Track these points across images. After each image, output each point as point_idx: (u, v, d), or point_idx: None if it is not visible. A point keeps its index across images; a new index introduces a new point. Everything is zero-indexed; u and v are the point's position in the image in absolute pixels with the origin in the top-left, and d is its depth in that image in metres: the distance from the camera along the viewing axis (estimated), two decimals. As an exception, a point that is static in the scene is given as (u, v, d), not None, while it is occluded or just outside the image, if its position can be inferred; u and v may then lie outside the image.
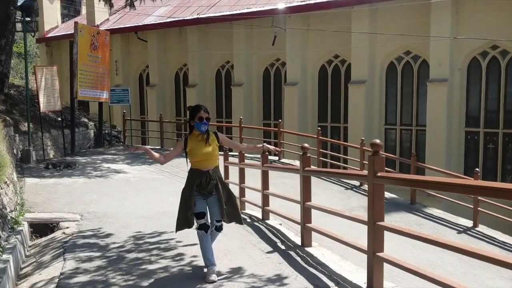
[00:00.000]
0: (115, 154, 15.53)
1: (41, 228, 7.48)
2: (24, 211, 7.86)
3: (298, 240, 5.48)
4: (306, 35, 18.97)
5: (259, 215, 7.02)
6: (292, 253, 5.04)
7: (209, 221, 4.53)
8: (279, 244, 5.44)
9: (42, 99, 13.51)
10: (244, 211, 7.82)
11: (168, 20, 22.31)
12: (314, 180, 9.92)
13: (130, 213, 7.95)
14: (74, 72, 14.69)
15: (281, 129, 14.50)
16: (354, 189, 11.83)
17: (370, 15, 17.11)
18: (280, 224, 6.48)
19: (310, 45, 18.97)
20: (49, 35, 28.11)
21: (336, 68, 18.99)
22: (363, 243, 3.99)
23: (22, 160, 12.90)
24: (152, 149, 17.23)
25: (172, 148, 4.90)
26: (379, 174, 3.67)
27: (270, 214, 6.73)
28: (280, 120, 14.79)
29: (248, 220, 6.88)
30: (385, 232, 3.79)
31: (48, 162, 12.85)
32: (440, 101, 15.79)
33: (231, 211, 4.58)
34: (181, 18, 21.81)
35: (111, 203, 8.82)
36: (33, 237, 7.42)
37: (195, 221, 4.52)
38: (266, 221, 6.65)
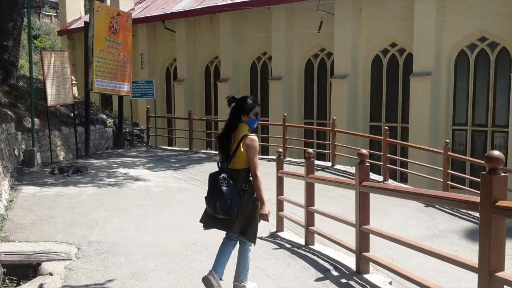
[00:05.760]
0: (136, 156, 13.23)
1: (22, 268, 5.13)
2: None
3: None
4: (358, 20, 16.29)
5: (350, 263, 4.42)
6: None
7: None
8: None
9: (50, 91, 11.27)
10: (314, 248, 5.29)
11: (199, 7, 20.02)
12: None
13: (148, 245, 5.58)
14: (89, 59, 12.46)
15: (335, 129, 11.88)
16: (437, 206, 9.16)
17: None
18: (390, 283, 3.88)
19: (362, 32, 16.28)
20: (72, 27, 26.21)
21: (393, 58, 16.22)
22: None
23: (24, 163, 10.70)
24: (180, 151, 14.82)
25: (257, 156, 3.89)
26: None
27: (371, 263, 4.11)
28: (334, 118, 12.16)
29: (334, 272, 4.27)
30: None
31: (54, 166, 10.61)
32: (528, 96, 12.93)
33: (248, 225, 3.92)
34: (212, 4, 19.45)
35: (123, 226, 6.52)
36: (7, 281, 5.07)
37: None
38: (365, 275, 4.04)
